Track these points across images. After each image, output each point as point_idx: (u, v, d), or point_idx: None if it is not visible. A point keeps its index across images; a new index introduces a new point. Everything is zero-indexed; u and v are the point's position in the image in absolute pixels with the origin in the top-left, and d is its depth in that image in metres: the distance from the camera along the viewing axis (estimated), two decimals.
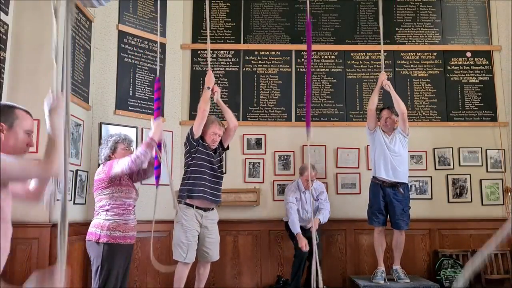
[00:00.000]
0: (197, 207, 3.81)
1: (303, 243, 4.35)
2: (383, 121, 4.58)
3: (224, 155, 4.13)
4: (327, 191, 5.16)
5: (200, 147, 3.86)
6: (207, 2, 4.34)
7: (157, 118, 3.33)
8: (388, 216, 4.50)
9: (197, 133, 3.83)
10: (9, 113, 1.76)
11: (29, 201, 1.85)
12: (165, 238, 4.73)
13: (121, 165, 3.16)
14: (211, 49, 5.32)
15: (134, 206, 3.34)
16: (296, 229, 4.45)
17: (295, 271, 4.50)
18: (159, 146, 3.29)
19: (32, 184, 1.84)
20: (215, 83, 3.98)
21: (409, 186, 4.66)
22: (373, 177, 4.56)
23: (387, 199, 4.44)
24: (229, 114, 4.04)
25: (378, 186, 4.48)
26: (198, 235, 3.82)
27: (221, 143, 4.03)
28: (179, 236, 3.77)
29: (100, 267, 3.08)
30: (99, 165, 3.43)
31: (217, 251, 3.94)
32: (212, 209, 3.94)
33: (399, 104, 4.45)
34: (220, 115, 4.36)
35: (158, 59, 3.81)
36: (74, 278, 4.00)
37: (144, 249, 4.60)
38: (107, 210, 3.17)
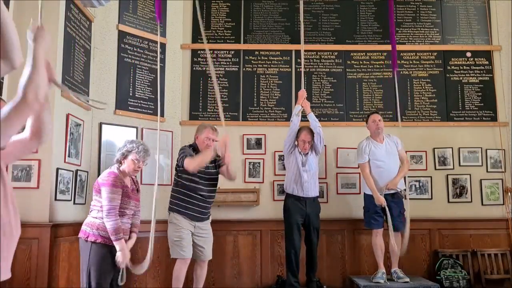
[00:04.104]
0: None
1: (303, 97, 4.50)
2: (374, 125, 4.61)
3: (216, 176, 4.07)
4: (327, 191, 5.18)
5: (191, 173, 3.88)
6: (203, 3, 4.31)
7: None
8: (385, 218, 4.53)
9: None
10: None
11: (32, 145, 1.74)
12: (164, 238, 4.71)
13: (103, 199, 3.18)
14: (211, 49, 5.34)
15: (133, 213, 3.35)
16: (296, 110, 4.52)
17: (288, 264, 4.44)
18: None
19: (27, 127, 1.71)
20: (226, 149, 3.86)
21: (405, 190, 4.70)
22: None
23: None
24: (230, 170, 4.02)
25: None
26: (192, 234, 3.89)
27: (216, 164, 4.02)
28: (173, 234, 3.87)
29: (87, 266, 3.10)
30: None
31: (210, 250, 3.99)
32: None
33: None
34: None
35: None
36: (74, 278, 3.99)
37: (144, 249, 4.59)
38: (98, 210, 3.20)
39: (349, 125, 5.34)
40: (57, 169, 3.83)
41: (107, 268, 3.15)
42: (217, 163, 4.03)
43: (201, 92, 5.34)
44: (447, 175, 5.28)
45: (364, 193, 4.66)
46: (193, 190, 3.88)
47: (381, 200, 4.41)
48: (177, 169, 3.95)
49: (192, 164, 3.73)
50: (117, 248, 3.13)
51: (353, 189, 5.21)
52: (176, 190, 3.95)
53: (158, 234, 4.71)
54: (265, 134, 5.27)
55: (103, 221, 3.15)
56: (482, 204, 5.24)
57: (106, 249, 3.14)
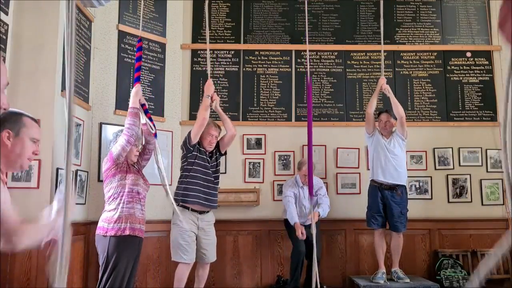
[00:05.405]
0: (192, 209, 3.84)
1: (299, 232, 4.35)
2: (382, 124, 4.62)
3: (221, 160, 4.19)
4: (327, 191, 5.16)
5: (196, 152, 3.88)
6: (206, 2, 4.31)
7: (136, 83, 3.45)
8: (387, 219, 4.53)
9: (195, 140, 3.87)
10: (16, 120, 1.75)
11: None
12: (164, 238, 4.72)
13: (119, 143, 3.22)
14: (211, 49, 5.33)
15: (144, 197, 3.35)
16: (294, 219, 4.44)
17: (293, 270, 4.49)
18: (143, 106, 3.49)
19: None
20: (214, 91, 3.98)
21: (407, 189, 4.68)
22: (372, 180, 4.58)
23: (386, 202, 4.48)
24: (228, 123, 4.05)
25: (376, 189, 4.51)
26: (195, 236, 3.84)
27: (218, 148, 4.04)
28: (176, 237, 3.80)
29: (106, 260, 3.08)
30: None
31: (214, 252, 3.97)
32: (208, 211, 3.95)
33: (398, 108, 4.49)
34: (219, 120, 4.33)
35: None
36: (74, 278, 3.99)
37: (145, 249, 4.59)
38: (115, 198, 3.19)
39: (349, 125, 5.34)
40: (57, 169, 3.83)
41: (128, 261, 3.13)
42: (216, 155, 4.05)
43: (201, 92, 5.33)
44: (447, 175, 5.29)
45: (368, 191, 4.64)
46: (198, 171, 3.86)
47: (382, 82, 4.49)
48: (184, 155, 3.93)
49: (195, 125, 3.85)
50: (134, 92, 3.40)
51: (353, 189, 5.21)
52: (182, 177, 3.92)
53: (159, 234, 4.73)
54: (265, 134, 5.27)
55: (119, 211, 3.14)
56: (482, 204, 5.24)
57: (126, 242, 3.13)
